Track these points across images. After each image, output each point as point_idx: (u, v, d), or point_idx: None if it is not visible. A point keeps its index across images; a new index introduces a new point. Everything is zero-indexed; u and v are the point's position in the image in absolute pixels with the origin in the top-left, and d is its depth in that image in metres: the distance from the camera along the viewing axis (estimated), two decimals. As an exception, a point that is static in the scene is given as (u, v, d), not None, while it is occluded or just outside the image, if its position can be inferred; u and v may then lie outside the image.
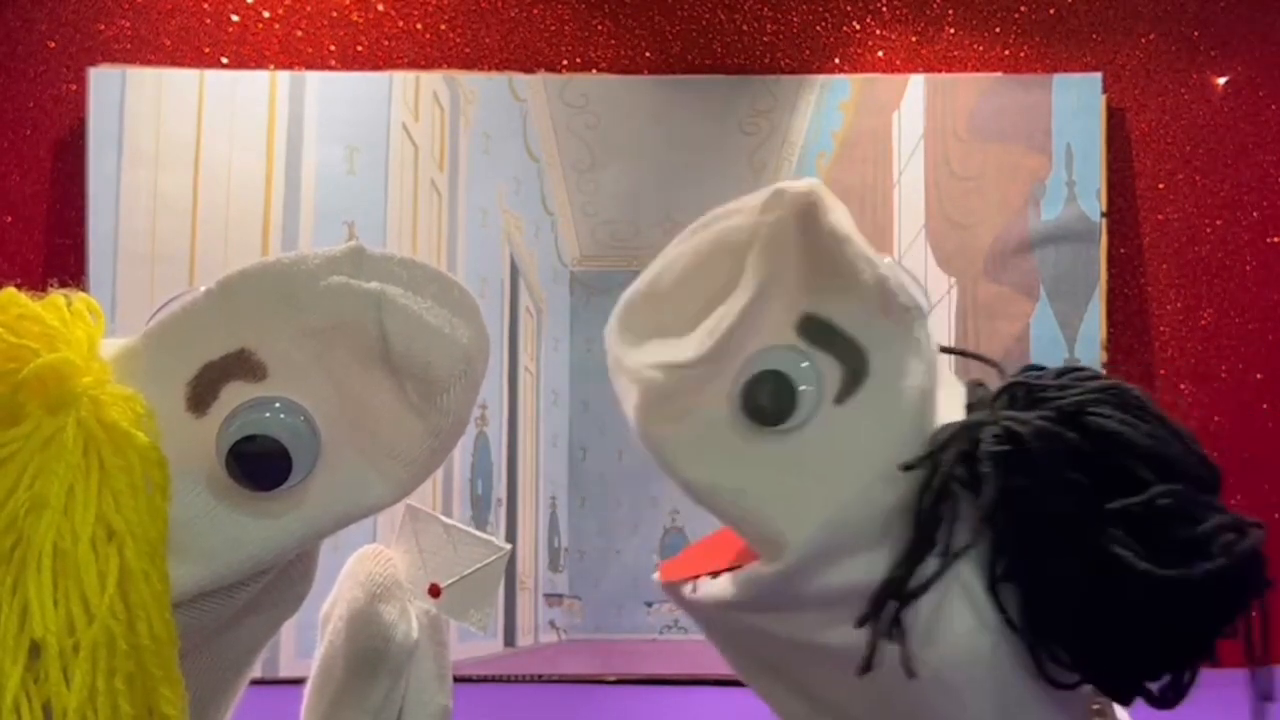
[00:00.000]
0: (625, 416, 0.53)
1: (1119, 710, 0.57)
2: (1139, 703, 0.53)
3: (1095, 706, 0.54)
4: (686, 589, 0.56)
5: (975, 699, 0.51)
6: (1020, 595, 0.51)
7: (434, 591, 0.62)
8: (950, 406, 0.54)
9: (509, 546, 0.63)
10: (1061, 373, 0.54)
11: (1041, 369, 0.55)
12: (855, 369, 0.50)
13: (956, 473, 0.50)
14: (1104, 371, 0.55)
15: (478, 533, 0.63)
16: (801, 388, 0.50)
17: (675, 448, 0.52)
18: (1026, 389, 0.53)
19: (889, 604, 0.49)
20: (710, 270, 0.52)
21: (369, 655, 0.58)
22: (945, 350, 0.55)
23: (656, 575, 0.59)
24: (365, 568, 0.60)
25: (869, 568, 0.50)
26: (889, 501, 0.50)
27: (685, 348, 0.51)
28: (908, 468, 0.50)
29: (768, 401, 0.50)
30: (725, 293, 0.51)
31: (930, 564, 0.50)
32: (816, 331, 0.51)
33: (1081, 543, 0.49)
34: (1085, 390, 0.51)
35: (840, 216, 0.50)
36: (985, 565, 0.51)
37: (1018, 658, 0.51)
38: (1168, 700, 0.51)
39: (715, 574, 0.55)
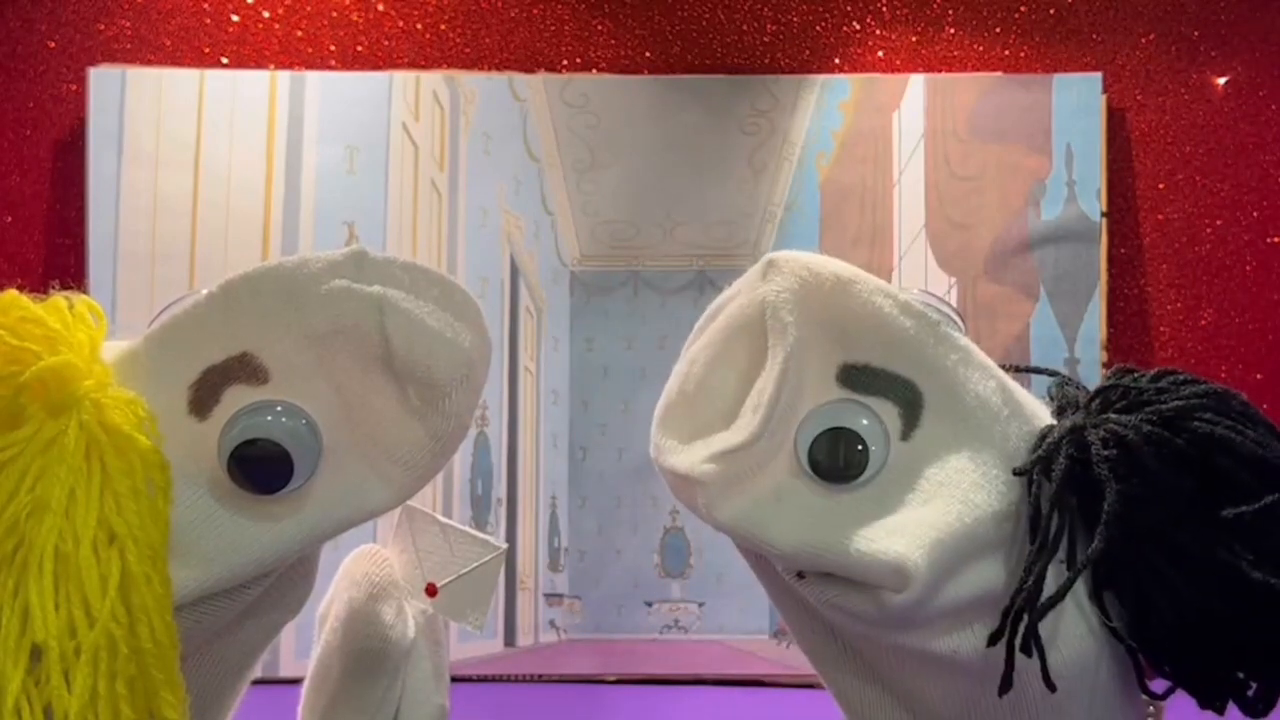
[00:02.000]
0: (700, 517, 0.50)
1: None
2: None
3: (1150, 710, 0.54)
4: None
5: (1072, 706, 0.50)
6: (1126, 603, 0.50)
7: (430, 591, 0.62)
8: (1031, 407, 0.53)
9: (505, 546, 0.63)
10: (1158, 376, 0.53)
11: (1133, 371, 0.54)
12: (910, 401, 0.50)
13: (1073, 476, 0.49)
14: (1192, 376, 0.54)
15: (474, 532, 0.63)
16: (870, 446, 0.49)
17: (762, 523, 0.49)
18: (1122, 392, 0.52)
19: (1023, 618, 0.48)
20: (731, 355, 0.51)
21: (366, 655, 0.58)
22: (1007, 368, 0.54)
23: None
24: (361, 567, 0.60)
25: (986, 575, 0.49)
26: (993, 507, 0.49)
27: (733, 435, 0.49)
28: (1019, 473, 0.49)
29: (839, 460, 0.49)
30: (754, 372, 0.50)
31: (1055, 573, 0.49)
32: (859, 378, 0.50)
33: (1192, 550, 0.48)
34: (1186, 395, 0.50)
35: (837, 263, 0.50)
36: (1089, 572, 0.50)
37: (1115, 665, 0.51)
38: (1260, 708, 0.50)
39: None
